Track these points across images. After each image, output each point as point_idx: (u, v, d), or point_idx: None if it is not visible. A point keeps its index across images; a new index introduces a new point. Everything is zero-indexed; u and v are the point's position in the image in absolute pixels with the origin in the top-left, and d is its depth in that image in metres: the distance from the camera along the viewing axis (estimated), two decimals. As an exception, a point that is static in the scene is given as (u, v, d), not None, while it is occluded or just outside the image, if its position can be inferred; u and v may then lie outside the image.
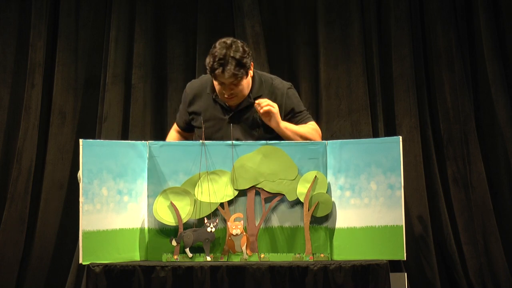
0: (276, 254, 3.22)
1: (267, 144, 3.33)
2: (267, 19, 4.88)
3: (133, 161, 3.27)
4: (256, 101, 3.55)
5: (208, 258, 3.18)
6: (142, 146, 3.31)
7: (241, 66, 3.52)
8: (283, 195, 3.31)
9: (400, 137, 3.23)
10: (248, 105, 3.65)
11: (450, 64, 4.78)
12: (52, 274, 4.69)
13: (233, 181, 3.29)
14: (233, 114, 3.66)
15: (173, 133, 3.91)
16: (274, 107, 3.53)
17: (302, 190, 3.28)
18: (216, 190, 3.29)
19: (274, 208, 3.31)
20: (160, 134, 4.79)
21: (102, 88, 4.80)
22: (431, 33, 4.83)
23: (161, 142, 3.35)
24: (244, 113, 3.67)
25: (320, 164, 3.31)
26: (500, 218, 4.70)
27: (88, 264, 3.07)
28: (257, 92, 3.68)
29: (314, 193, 3.29)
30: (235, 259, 3.19)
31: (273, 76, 3.80)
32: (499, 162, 4.76)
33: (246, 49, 3.57)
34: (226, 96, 3.59)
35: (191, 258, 3.19)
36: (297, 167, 3.31)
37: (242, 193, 3.31)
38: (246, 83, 3.62)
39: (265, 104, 3.52)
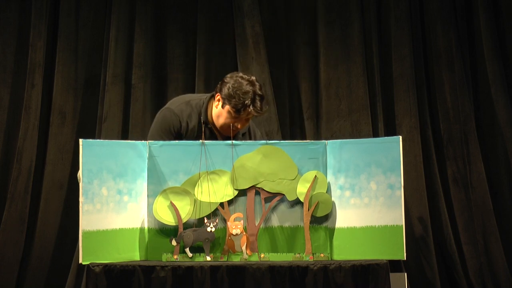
0: (276, 254, 3.22)
1: (267, 144, 3.33)
2: (267, 19, 4.88)
3: (133, 161, 3.27)
4: None
5: (208, 258, 3.18)
6: (142, 146, 3.31)
7: (265, 104, 3.62)
8: (283, 195, 3.31)
9: (400, 137, 3.23)
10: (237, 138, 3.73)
11: (450, 64, 4.78)
12: (52, 274, 4.69)
13: (233, 181, 3.29)
14: None
15: None
16: None
17: (302, 190, 3.28)
18: (216, 190, 3.29)
19: (274, 208, 3.31)
20: (160, 134, 4.79)
21: (102, 88, 4.80)
22: (431, 33, 4.83)
23: (161, 142, 3.35)
24: None
25: (320, 164, 3.31)
26: (500, 218, 4.70)
27: (88, 264, 3.06)
28: (244, 129, 3.80)
29: (314, 193, 3.29)
30: (235, 259, 3.19)
31: None
32: (499, 162, 4.76)
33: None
34: (233, 128, 3.62)
35: (191, 258, 3.19)
36: (297, 167, 3.31)
37: (242, 193, 3.30)
38: None
39: None
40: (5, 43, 4.82)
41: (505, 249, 4.64)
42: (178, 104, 3.74)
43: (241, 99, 3.54)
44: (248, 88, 3.56)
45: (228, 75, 3.65)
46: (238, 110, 3.56)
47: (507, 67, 4.80)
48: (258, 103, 3.56)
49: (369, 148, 3.27)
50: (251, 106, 3.55)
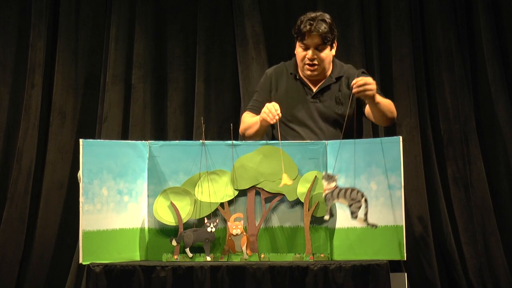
0: (276, 254, 3.22)
1: (267, 144, 3.33)
2: (267, 19, 4.88)
3: (133, 161, 3.27)
4: (354, 81, 3.49)
5: (208, 258, 3.18)
6: (142, 146, 3.31)
7: (330, 30, 3.68)
8: (283, 195, 3.31)
9: (400, 137, 3.23)
10: (329, 84, 3.75)
11: (450, 64, 4.78)
12: (52, 274, 4.69)
13: (233, 181, 3.29)
14: (316, 93, 3.74)
15: (250, 116, 3.79)
16: (371, 84, 3.48)
17: (302, 190, 3.28)
18: (216, 190, 3.29)
19: (274, 208, 3.31)
20: (160, 134, 4.79)
21: (102, 88, 4.80)
22: (431, 33, 4.83)
23: (161, 142, 3.35)
24: (325, 92, 3.75)
25: (320, 164, 3.31)
26: (500, 218, 4.71)
27: (88, 264, 3.07)
28: (338, 73, 3.78)
29: (314, 193, 3.29)
30: (235, 259, 3.19)
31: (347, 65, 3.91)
32: (499, 162, 4.76)
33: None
34: (308, 62, 3.69)
35: (191, 258, 3.19)
36: (297, 167, 3.31)
37: (242, 193, 3.31)
38: (328, 58, 3.73)
39: (360, 83, 3.46)
40: (5, 43, 4.83)
41: (505, 249, 4.64)
42: (272, 67, 3.89)
43: (302, 22, 3.67)
44: (312, 14, 3.69)
45: None
46: (299, 36, 3.68)
47: (507, 67, 4.80)
48: (320, 26, 3.63)
49: (369, 148, 3.27)
50: (307, 26, 3.63)
